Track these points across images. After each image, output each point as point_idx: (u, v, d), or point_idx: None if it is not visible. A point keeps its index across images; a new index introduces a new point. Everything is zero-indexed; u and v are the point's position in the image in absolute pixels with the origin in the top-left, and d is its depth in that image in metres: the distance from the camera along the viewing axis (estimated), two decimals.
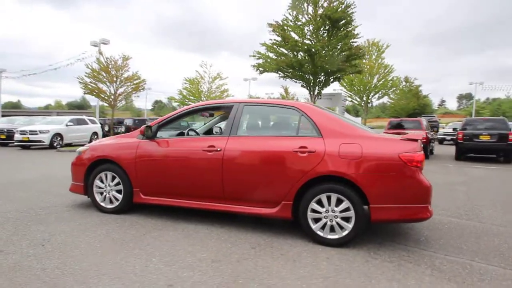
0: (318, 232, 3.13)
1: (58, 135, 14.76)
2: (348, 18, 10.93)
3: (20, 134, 13.84)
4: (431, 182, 3.08)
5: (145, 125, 3.73)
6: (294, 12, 11.24)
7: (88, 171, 4.02)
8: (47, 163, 9.43)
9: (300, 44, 11.16)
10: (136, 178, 3.76)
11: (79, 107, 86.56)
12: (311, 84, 12.40)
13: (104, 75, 15.01)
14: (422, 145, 3.20)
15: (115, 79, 15.09)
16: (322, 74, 11.82)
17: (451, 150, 13.66)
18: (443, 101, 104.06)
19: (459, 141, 11.18)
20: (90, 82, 15.05)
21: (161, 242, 3.09)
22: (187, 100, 22.71)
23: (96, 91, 15.21)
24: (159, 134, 3.91)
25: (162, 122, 3.86)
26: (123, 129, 22.16)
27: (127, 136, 4.05)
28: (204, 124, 4.97)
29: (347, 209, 3.05)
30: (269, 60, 12.37)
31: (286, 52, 11.85)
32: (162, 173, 3.65)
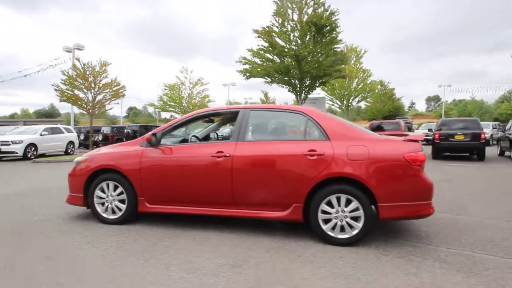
0: (329, 233, 3.22)
1: (32, 145, 14.04)
2: (333, 25, 11.36)
3: None
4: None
5: (150, 133, 3.68)
6: (280, 19, 11.50)
7: (87, 181, 3.89)
8: (26, 175, 8.95)
9: (287, 50, 11.42)
10: (141, 186, 3.69)
11: (47, 115, 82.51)
12: (297, 88, 12.69)
13: (81, 81, 14.48)
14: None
15: (93, 85, 14.59)
16: (308, 79, 12.16)
17: (427, 150, 14.40)
18: (413, 103, 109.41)
19: (435, 141, 11.82)
20: (67, 89, 14.45)
21: (175, 250, 3.05)
22: (167, 106, 22.35)
23: (73, 98, 14.62)
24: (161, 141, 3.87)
25: (166, 129, 3.83)
26: (100, 137, 21.45)
27: (129, 144, 3.97)
28: (202, 130, 4.97)
29: (356, 209, 3.17)
30: (256, 65, 12.53)
31: (272, 57, 12.06)
32: (169, 180, 3.61)
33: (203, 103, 22.50)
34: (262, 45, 12.07)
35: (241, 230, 3.63)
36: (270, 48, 11.71)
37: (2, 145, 12.94)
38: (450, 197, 5.58)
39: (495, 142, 17.47)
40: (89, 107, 14.86)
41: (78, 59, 14.47)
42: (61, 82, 14.39)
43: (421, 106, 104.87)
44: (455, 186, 6.70)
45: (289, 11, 11.57)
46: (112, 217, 3.84)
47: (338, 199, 3.21)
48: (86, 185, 3.89)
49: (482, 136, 11.00)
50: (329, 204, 3.23)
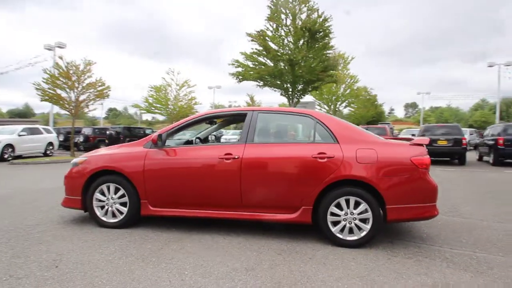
0: (338, 235, 3.25)
1: (10, 146, 13.36)
2: (327, 30, 11.57)
3: None
4: None
5: (157, 134, 3.57)
6: (274, 24, 11.59)
7: (86, 183, 3.73)
8: (7, 178, 8.47)
9: (280, 54, 11.50)
10: (144, 189, 3.58)
11: (21, 115, 78.70)
12: (289, 92, 12.79)
13: (64, 80, 13.92)
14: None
15: (76, 85, 14.05)
16: (301, 83, 12.29)
17: None
18: (392, 109, 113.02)
19: None
20: (49, 88, 13.83)
21: (184, 254, 2.97)
22: (153, 108, 21.89)
23: (55, 98, 14.02)
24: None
25: (171, 130, 3.74)
26: (81, 138, 20.69)
27: (130, 146, 3.85)
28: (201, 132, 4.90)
29: (364, 211, 3.21)
30: (248, 68, 12.53)
31: (265, 61, 12.10)
32: (175, 183, 3.52)
33: (189, 105, 22.19)
34: (256, 49, 12.11)
35: (248, 233, 3.59)
36: (264, 52, 11.77)
37: None
38: (441, 200, 5.74)
39: (471, 148, 18.31)
40: (71, 107, 14.30)
41: (61, 58, 13.91)
42: (42, 81, 13.78)
43: (399, 113, 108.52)
44: (443, 189, 6.93)
45: (283, 16, 11.70)
46: (112, 220, 3.69)
47: (347, 201, 3.24)
48: (84, 187, 3.73)
49: (464, 141, 11.50)
50: (338, 206, 3.26)
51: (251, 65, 12.49)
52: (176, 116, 22.21)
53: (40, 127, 16.49)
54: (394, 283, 2.47)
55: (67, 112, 15.12)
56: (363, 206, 3.21)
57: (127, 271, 2.59)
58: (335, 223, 3.27)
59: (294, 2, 11.64)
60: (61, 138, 21.16)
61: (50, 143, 15.80)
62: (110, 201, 3.69)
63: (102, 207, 3.72)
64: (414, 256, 3.06)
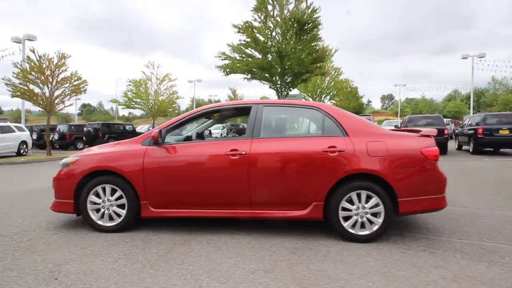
0: (350, 230, 3.18)
1: None
2: (316, 22, 11.44)
3: None
4: None
5: (157, 130, 3.33)
6: (262, 16, 11.31)
7: (79, 185, 3.44)
8: None
9: (269, 46, 11.27)
10: (144, 189, 3.35)
11: None
12: (278, 85, 12.61)
13: (36, 75, 13.05)
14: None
15: (50, 79, 13.20)
16: (290, 75, 12.14)
17: None
18: (369, 101, 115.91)
19: None
20: (20, 83, 12.91)
21: (194, 258, 2.80)
22: (133, 103, 21.08)
23: (28, 93, 13.12)
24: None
25: (171, 125, 3.51)
26: (56, 136, 19.67)
27: (128, 143, 3.58)
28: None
29: (376, 205, 3.16)
30: (236, 61, 12.21)
31: (253, 53, 11.83)
32: (178, 181, 3.31)
33: (171, 100, 21.58)
34: (244, 40, 11.79)
35: (255, 231, 3.46)
36: (253, 44, 11.50)
37: None
38: None
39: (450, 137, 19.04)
40: (46, 103, 13.45)
41: (33, 51, 12.98)
42: (13, 76, 12.85)
43: (376, 104, 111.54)
44: None
45: (269, 7, 11.45)
46: (109, 224, 3.44)
47: (359, 195, 3.18)
48: (77, 189, 3.44)
49: (446, 131, 11.87)
50: (349, 201, 3.19)
51: (238, 58, 12.20)
52: (157, 111, 21.55)
53: (12, 125, 15.46)
54: (416, 278, 2.43)
55: (40, 109, 14.25)
56: (375, 200, 3.15)
57: (136, 280, 2.39)
58: (346, 218, 3.20)
59: None
60: (35, 136, 20.04)
61: (24, 142, 14.87)
62: (107, 203, 3.43)
63: (98, 210, 3.46)
64: (427, 248, 3.05)
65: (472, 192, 5.64)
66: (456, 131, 16.52)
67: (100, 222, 3.45)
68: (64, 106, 14.74)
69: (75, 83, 14.25)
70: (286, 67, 11.25)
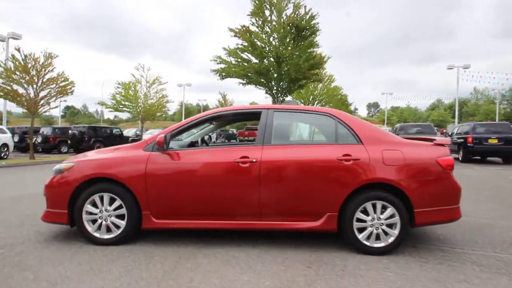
0: (365, 242, 3.05)
1: None
2: (314, 28, 11.44)
3: None
4: None
5: (162, 135, 3.11)
6: (260, 20, 11.21)
7: (74, 194, 3.17)
8: None
9: (267, 50, 11.16)
10: (146, 198, 3.12)
11: None
12: (274, 91, 12.50)
13: (20, 75, 12.49)
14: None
15: (36, 80, 12.65)
16: (286, 81, 12.06)
17: None
18: (356, 109, 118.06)
19: None
20: (3, 83, 12.29)
21: (204, 274, 2.59)
22: (121, 106, 20.52)
23: (11, 94, 12.52)
24: None
25: (176, 130, 3.30)
26: (39, 139, 18.91)
27: (129, 148, 3.34)
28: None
29: (391, 216, 3.04)
30: (232, 65, 12.03)
31: (249, 57, 11.68)
32: (183, 190, 3.10)
33: (161, 103, 21.13)
34: (242, 44, 11.64)
35: (262, 243, 3.28)
36: (250, 48, 11.36)
37: None
38: None
39: None
40: (30, 104, 12.87)
41: (18, 50, 12.43)
42: None
43: (362, 112, 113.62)
44: None
45: (267, 12, 11.39)
46: (107, 236, 3.18)
47: (374, 206, 3.06)
48: (71, 198, 3.17)
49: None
50: (364, 211, 3.06)
51: (233, 62, 12.04)
52: (146, 115, 21.06)
53: None
54: None
55: (23, 110, 13.62)
56: (390, 210, 3.04)
57: None
58: (361, 230, 3.06)
59: None
60: (16, 138, 19.18)
61: (5, 145, 14.16)
62: (104, 213, 3.17)
63: (94, 221, 3.19)
64: (444, 261, 2.95)
65: (471, 201, 5.63)
66: None
67: (96, 234, 3.18)
68: (50, 108, 14.17)
69: (61, 84, 13.72)
70: (283, 72, 11.18)
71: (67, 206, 3.17)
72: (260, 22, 11.52)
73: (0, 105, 21.43)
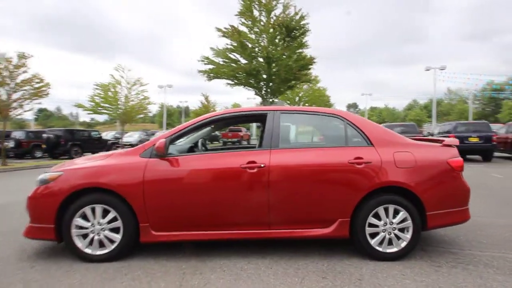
0: (377, 248, 2.94)
1: None
2: (303, 28, 11.36)
3: None
4: None
5: (163, 140, 2.86)
6: (249, 21, 10.98)
7: (62, 206, 2.86)
8: None
9: (257, 50, 10.95)
10: (145, 209, 2.85)
11: None
12: (263, 92, 12.31)
13: None
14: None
15: (8, 81, 11.84)
16: (276, 82, 11.90)
17: None
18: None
19: None
20: None
21: None
22: (100, 108, 19.68)
23: None
24: None
25: (176, 134, 3.06)
26: (12, 144, 17.77)
27: (124, 155, 3.06)
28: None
29: (404, 220, 2.95)
30: (220, 66, 11.72)
31: (237, 58, 11.43)
32: (186, 199, 2.86)
33: (142, 105, 20.46)
34: (231, 44, 11.36)
35: (270, 252, 3.10)
36: (240, 49, 11.12)
37: None
38: None
39: None
40: (1, 107, 12.02)
41: None
42: None
43: None
44: None
45: (255, 11, 11.19)
46: (100, 252, 2.88)
47: (386, 210, 2.95)
48: (59, 211, 2.86)
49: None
50: (376, 216, 2.95)
51: (221, 62, 11.76)
52: (128, 117, 20.34)
53: None
54: None
55: None
56: (403, 214, 2.95)
57: None
58: (373, 235, 2.95)
59: None
60: None
61: None
62: (97, 227, 2.88)
63: (85, 236, 2.89)
64: (456, 263, 2.89)
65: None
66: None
67: (88, 251, 2.88)
68: (24, 111, 13.34)
69: (36, 85, 12.95)
70: (273, 73, 11.03)
71: (54, 220, 2.85)
72: (249, 22, 11.32)
73: None
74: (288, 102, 23.58)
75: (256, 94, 12.69)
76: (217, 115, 3.24)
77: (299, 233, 2.93)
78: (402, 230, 2.97)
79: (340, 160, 2.93)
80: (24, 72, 12.38)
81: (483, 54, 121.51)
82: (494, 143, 11.66)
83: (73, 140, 18.93)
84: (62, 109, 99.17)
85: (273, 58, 10.77)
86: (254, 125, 41.44)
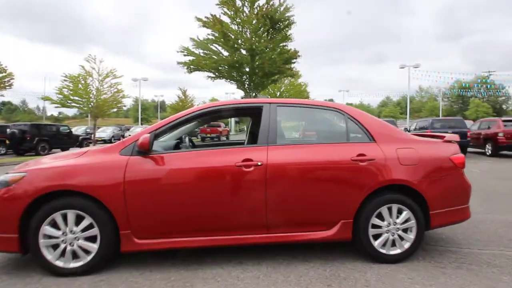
0: (381, 250, 2.78)
1: None
2: (288, 20, 11.04)
3: None
4: None
5: (147, 135, 2.50)
6: (232, 11, 10.50)
7: (26, 212, 2.45)
8: None
9: (240, 42, 10.51)
10: (126, 214, 2.50)
11: None
12: (246, 85, 11.91)
13: None
14: None
15: None
16: (259, 75, 11.53)
17: None
18: None
19: None
20: None
21: None
22: (69, 101, 18.44)
23: None
24: None
25: (161, 129, 2.71)
26: None
27: (101, 152, 2.67)
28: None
29: (407, 220, 2.81)
30: (201, 57, 11.17)
31: (218, 49, 10.93)
32: (174, 202, 2.54)
33: (116, 99, 19.42)
34: (213, 34, 10.82)
35: (268, 259, 2.85)
36: (222, 40, 10.62)
37: None
38: None
39: None
40: None
41: None
42: None
43: None
44: None
45: (238, 1, 10.75)
46: (74, 265, 2.50)
47: (389, 209, 2.79)
48: (23, 219, 2.44)
49: None
50: (379, 216, 2.79)
51: (202, 54, 11.25)
52: (100, 111, 19.26)
53: None
54: None
55: None
56: (406, 214, 2.80)
57: None
58: (375, 237, 2.78)
59: None
60: None
61: None
62: (69, 236, 2.49)
63: (55, 246, 2.50)
64: (460, 264, 2.80)
65: None
66: None
67: (59, 263, 2.49)
68: None
69: None
70: (256, 66, 10.68)
71: (17, 228, 2.43)
72: (231, 13, 10.86)
73: None
74: (269, 96, 23.36)
75: (238, 87, 12.30)
76: (209, 107, 2.91)
77: (300, 237, 2.70)
78: (405, 230, 2.82)
79: (342, 157, 2.72)
80: None
81: (453, 54, 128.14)
82: (469, 139, 12.09)
83: (40, 136, 17.71)
84: (28, 102, 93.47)
85: (257, 51, 10.44)
86: (232, 121, 40.97)
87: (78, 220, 2.51)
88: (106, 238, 2.51)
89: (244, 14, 10.98)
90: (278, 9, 11.06)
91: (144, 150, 2.51)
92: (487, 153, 12.24)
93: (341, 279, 2.49)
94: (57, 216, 2.48)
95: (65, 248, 2.50)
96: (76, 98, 18.80)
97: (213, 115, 3.42)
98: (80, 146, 20.12)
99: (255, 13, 10.52)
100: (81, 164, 2.56)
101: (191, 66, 11.44)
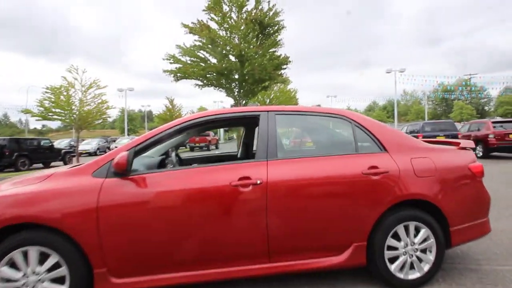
0: (398, 275, 2.44)
1: None
2: (278, 25, 10.80)
3: None
4: None
5: (124, 154, 2.10)
6: (219, 17, 10.18)
7: None
8: None
9: (228, 48, 10.17)
10: (100, 249, 2.08)
11: None
12: (235, 93, 11.55)
13: None
14: None
15: None
16: (249, 82, 11.18)
17: None
18: None
19: None
20: None
21: None
22: (51, 114, 17.67)
23: None
24: None
25: (142, 144, 2.31)
26: None
27: (69, 174, 2.25)
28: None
29: (426, 239, 2.49)
30: (187, 65, 10.76)
31: (205, 56, 10.56)
32: (158, 231, 2.14)
33: (100, 110, 18.75)
34: (200, 41, 10.45)
35: (263, 284, 2.47)
36: (210, 46, 10.26)
37: None
38: None
39: None
40: None
41: None
42: None
43: None
44: None
45: (225, 6, 10.44)
46: None
47: (406, 228, 2.47)
48: None
49: None
50: (395, 236, 2.46)
51: (189, 61, 10.86)
52: (83, 122, 18.53)
53: None
54: None
55: None
56: (425, 232, 2.48)
57: None
58: (392, 260, 2.45)
59: None
60: None
61: None
62: (32, 278, 2.05)
63: None
64: (484, 285, 2.51)
65: None
66: None
67: None
68: None
69: None
70: (246, 72, 10.35)
71: None
72: (218, 19, 10.55)
73: None
74: (258, 104, 23.10)
75: (227, 95, 11.93)
76: (200, 117, 2.52)
77: (308, 265, 2.33)
78: (423, 251, 2.50)
79: (353, 171, 2.39)
80: None
81: (437, 57, 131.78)
82: None
83: (20, 150, 16.92)
84: (10, 116, 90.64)
85: (246, 57, 10.12)
86: (221, 129, 40.51)
87: (43, 258, 2.08)
88: (76, 278, 2.08)
89: (232, 20, 10.73)
90: (267, 13, 10.87)
91: (122, 172, 2.11)
92: (478, 155, 12.23)
93: None
94: (16, 255, 2.04)
95: None
96: (58, 110, 18.03)
97: (203, 126, 3.04)
98: (63, 160, 19.33)
99: (244, 18, 10.28)
100: (44, 190, 2.13)
101: (178, 74, 11.02)
